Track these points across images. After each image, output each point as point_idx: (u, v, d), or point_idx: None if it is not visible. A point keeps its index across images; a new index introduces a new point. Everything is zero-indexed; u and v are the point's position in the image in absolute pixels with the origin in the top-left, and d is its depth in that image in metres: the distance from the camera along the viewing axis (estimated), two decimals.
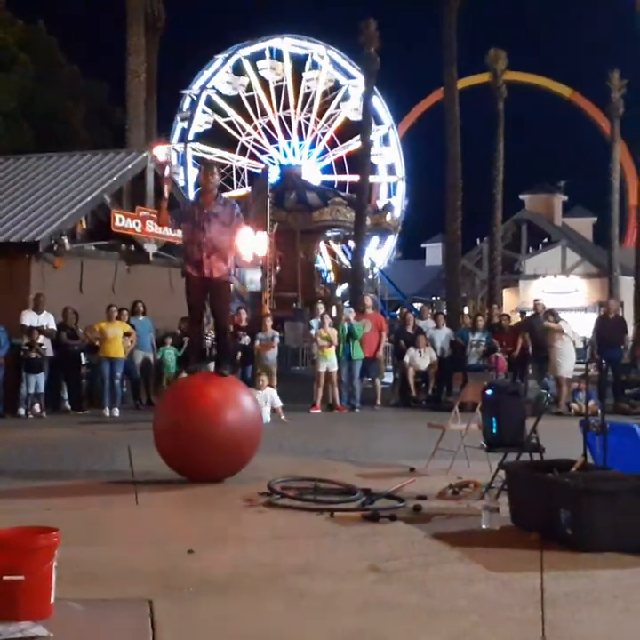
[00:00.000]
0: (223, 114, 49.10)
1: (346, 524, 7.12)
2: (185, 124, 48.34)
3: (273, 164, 48.40)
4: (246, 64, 48.79)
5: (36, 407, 16.46)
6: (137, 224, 19.81)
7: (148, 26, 31.10)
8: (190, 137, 47.81)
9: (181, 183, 44.02)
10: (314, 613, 4.89)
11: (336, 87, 50.00)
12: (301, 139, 50.33)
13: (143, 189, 20.69)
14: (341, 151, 50.13)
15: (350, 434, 13.88)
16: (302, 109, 50.04)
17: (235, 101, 49.25)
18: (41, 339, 16.48)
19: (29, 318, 16.64)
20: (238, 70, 48.99)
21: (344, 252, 48.87)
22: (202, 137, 48.36)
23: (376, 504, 7.73)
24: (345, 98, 49.61)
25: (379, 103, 47.48)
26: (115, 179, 19.78)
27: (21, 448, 12.10)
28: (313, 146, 50.47)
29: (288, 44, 49.36)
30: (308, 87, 49.64)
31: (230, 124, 49.45)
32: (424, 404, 18.26)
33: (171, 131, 48.09)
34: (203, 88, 48.54)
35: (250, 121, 49.67)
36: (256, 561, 5.94)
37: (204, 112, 48.49)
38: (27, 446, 12.29)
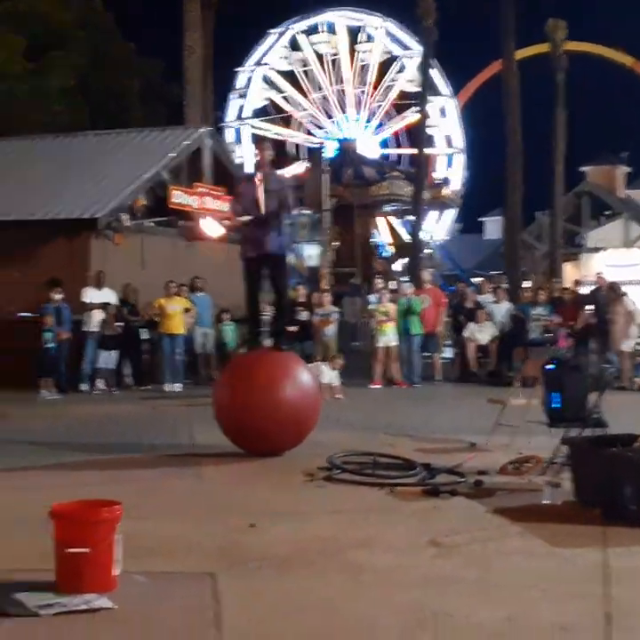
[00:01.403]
0: (279, 90, 48.87)
1: (406, 498, 7.11)
2: (241, 102, 48.16)
3: (329, 138, 48.16)
4: (302, 39, 48.46)
5: (100, 383, 16.64)
6: (194, 200, 19.88)
7: (204, 1, 31.06)
8: (246, 113, 47.58)
9: (238, 160, 43.69)
10: (374, 587, 4.90)
11: (392, 59, 49.48)
12: (357, 112, 50.00)
13: (200, 165, 20.75)
14: (398, 124, 49.74)
15: (410, 409, 13.85)
16: (358, 83, 49.64)
17: (290, 76, 48.96)
18: (103, 315, 16.66)
19: (90, 295, 16.82)
20: (294, 45, 48.68)
21: (403, 226, 48.53)
22: (258, 114, 48.14)
23: (436, 479, 7.72)
24: (401, 69, 49.17)
25: (437, 74, 46.93)
26: (172, 155, 19.86)
27: (85, 423, 12.28)
28: (369, 120, 50.11)
29: (343, 17, 48.89)
30: (363, 60, 49.19)
31: (286, 99, 49.21)
32: (484, 379, 18.14)
33: (225, 108, 47.92)
34: (257, 64, 48.28)
35: (305, 96, 49.40)
36: (316, 535, 5.96)
37: (259, 88, 48.27)
38: (90, 421, 12.47)
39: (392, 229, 49.35)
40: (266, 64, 48.00)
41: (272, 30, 48.59)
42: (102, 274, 17.01)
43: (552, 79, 35.66)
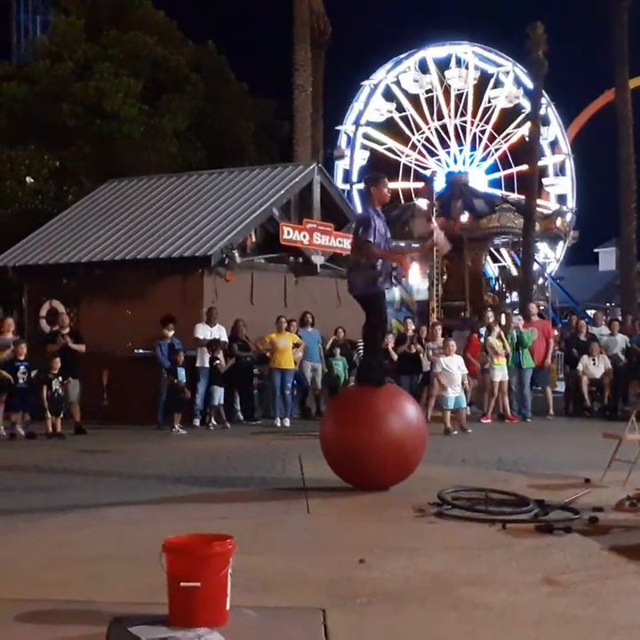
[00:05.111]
0: (379, 142, 49.00)
1: (519, 535, 6.99)
2: (346, 164, 48.26)
3: (440, 167, 48.12)
4: (394, 88, 48.37)
5: (212, 419, 16.80)
6: (304, 236, 20.04)
7: (314, 41, 31.49)
8: (354, 177, 47.74)
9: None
10: (487, 625, 4.81)
11: (485, 79, 49.20)
12: (460, 144, 49.83)
13: (310, 202, 20.92)
14: (504, 146, 49.43)
15: (522, 444, 13.63)
16: (456, 114, 49.45)
17: (388, 126, 48.91)
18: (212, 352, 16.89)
19: (202, 331, 17.07)
20: (387, 95, 48.68)
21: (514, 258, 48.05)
22: (363, 172, 48.08)
23: (550, 515, 7.56)
24: (497, 85, 48.84)
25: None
26: (282, 192, 20.08)
27: (197, 457, 12.43)
28: (473, 148, 49.84)
29: (431, 52, 48.91)
30: (459, 88, 49.02)
31: (389, 150, 49.35)
32: (599, 414, 17.76)
33: (333, 171, 48.16)
34: (356, 124, 48.39)
35: (407, 140, 49.40)
36: (427, 572, 5.90)
37: (362, 148, 48.43)
38: (201, 456, 12.61)
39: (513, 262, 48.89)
40: (365, 124, 48.31)
41: (365, 82, 48.90)
42: (214, 310, 17.25)
43: None
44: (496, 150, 49.76)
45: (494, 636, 4.64)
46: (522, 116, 47.58)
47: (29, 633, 4.73)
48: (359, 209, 44.63)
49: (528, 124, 47.76)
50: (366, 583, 5.61)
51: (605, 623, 4.81)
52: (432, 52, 48.92)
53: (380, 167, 47.86)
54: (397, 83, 48.40)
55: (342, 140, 49.01)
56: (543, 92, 47.53)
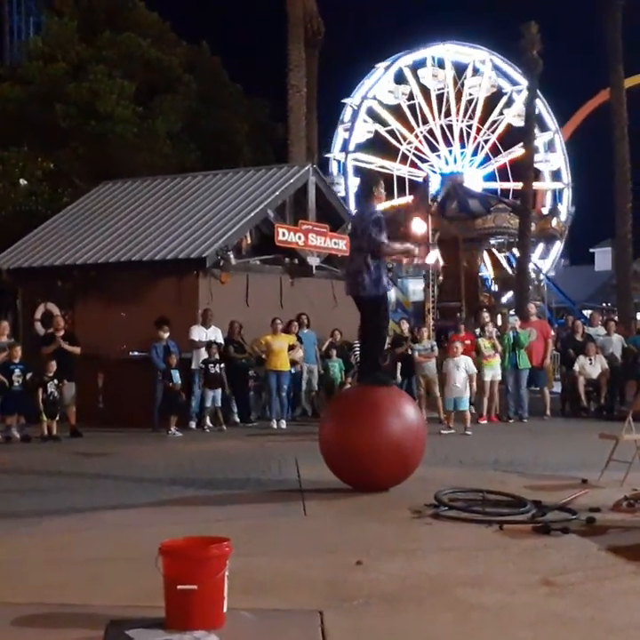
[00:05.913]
0: (384, 123, 49.12)
1: (516, 536, 6.98)
2: (346, 135, 48.60)
3: (434, 172, 48.12)
4: (408, 72, 48.72)
5: (208, 421, 16.77)
6: (300, 237, 20.01)
7: (308, 41, 31.45)
8: (351, 147, 47.97)
9: (341, 194, 43.60)
10: (484, 626, 4.81)
11: (499, 94, 49.37)
12: (463, 146, 49.92)
13: (305, 203, 20.90)
14: (505, 158, 49.53)
15: (519, 445, 13.62)
16: (464, 116, 49.64)
17: (396, 110, 49.17)
18: (208, 354, 16.86)
19: (198, 333, 17.04)
20: (400, 79, 48.94)
21: (508, 259, 48.05)
22: (363, 147, 48.52)
23: (547, 516, 7.56)
24: (508, 104, 49.01)
25: (543, 109, 46.80)
26: (277, 193, 20.04)
27: (193, 459, 12.41)
28: (475, 153, 49.96)
29: (450, 51, 49.04)
30: (471, 94, 49.19)
31: (391, 132, 49.39)
32: (595, 414, 17.76)
33: (332, 140, 48.50)
34: (364, 98, 48.67)
35: (411, 129, 49.50)
36: (424, 573, 5.90)
37: (365, 122, 48.62)
38: (197, 458, 12.60)
39: (495, 263, 48.98)
40: (372, 98, 48.38)
41: (379, 64, 49.00)
42: (209, 312, 17.22)
43: None
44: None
45: (491, 637, 4.64)
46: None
47: (26, 637, 4.72)
48: (351, 181, 45.11)
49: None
50: (363, 585, 5.60)
51: (603, 624, 4.81)
52: (450, 49, 48.93)
53: (379, 147, 48.19)
54: (412, 68, 48.45)
55: (347, 114, 49.06)
56: (553, 118, 47.96)
